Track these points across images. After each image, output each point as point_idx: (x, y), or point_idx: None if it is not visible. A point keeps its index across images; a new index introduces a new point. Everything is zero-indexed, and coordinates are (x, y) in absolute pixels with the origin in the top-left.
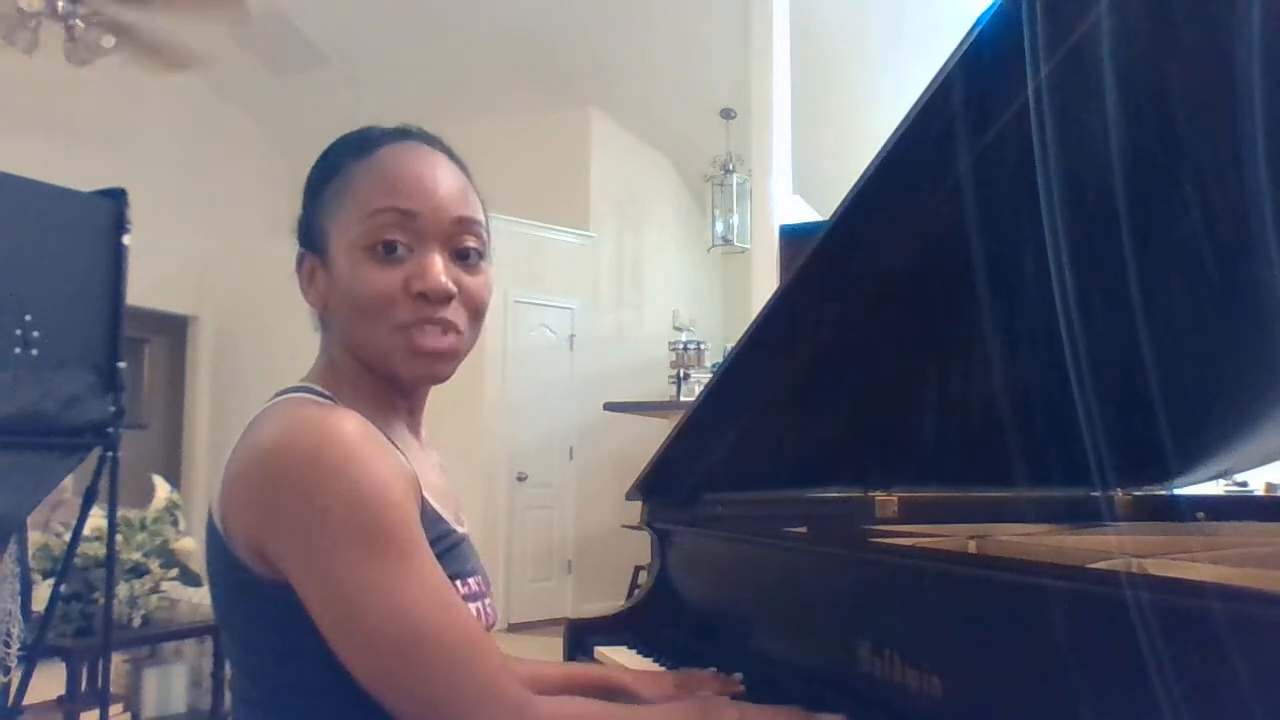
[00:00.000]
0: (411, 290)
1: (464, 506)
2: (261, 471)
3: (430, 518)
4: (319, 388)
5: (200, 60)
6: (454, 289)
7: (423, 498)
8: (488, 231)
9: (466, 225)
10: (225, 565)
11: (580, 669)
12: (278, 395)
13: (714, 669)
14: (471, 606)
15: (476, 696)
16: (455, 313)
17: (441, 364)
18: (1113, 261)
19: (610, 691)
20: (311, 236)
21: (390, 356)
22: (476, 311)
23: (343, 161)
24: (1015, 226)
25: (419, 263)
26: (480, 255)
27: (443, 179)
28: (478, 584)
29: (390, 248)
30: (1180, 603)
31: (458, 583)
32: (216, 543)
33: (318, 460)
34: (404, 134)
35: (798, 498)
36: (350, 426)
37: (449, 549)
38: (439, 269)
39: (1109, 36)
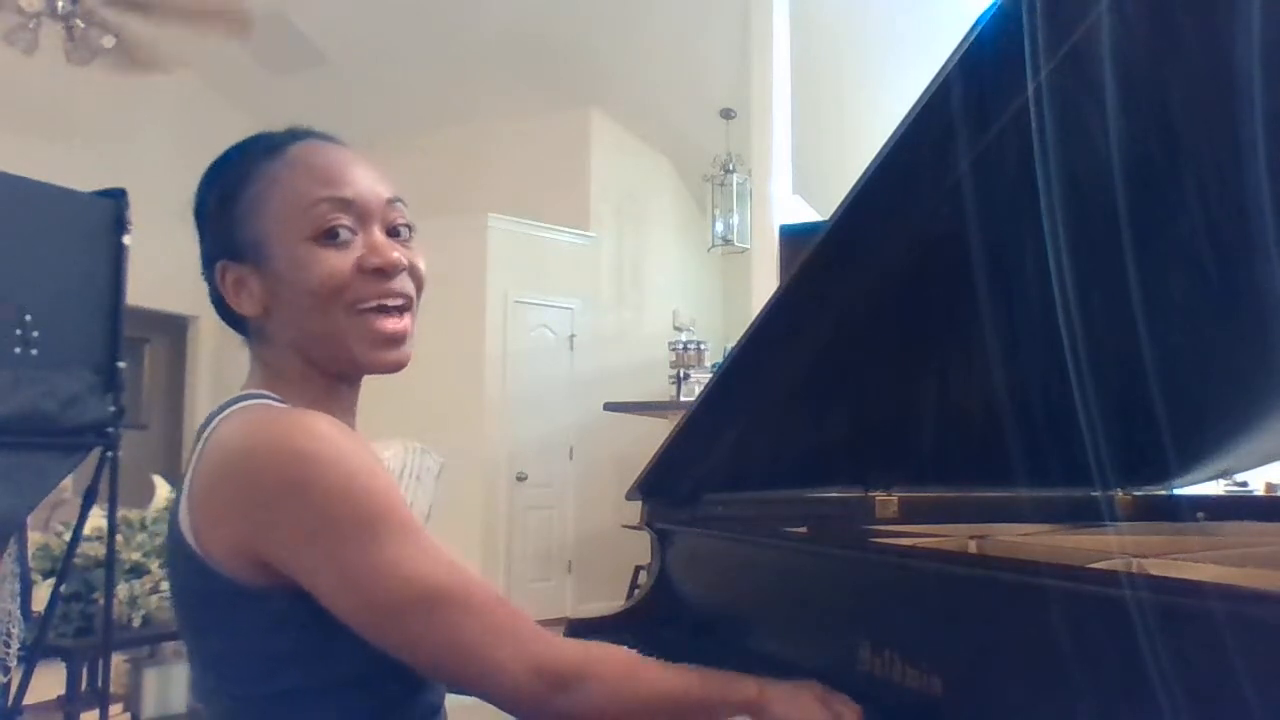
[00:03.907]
0: (366, 267)
1: None
2: (246, 478)
3: None
4: (270, 394)
5: (198, 61)
6: (405, 261)
7: None
8: None
9: (396, 204)
10: (198, 578)
11: None
12: (226, 406)
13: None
14: None
15: (503, 639)
16: (405, 284)
17: (400, 348)
18: (1112, 261)
19: None
20: (233, 246)
21: (350, 344)
22: (420, 284)
23: (252, 166)
24: (1015, 226)
25: (366, 242)
26: (411, 231)
27: (363, 165)
28: None
29: (334, 234)
30: (1180, 603)
31: None
32: (186, 557)
33: (305, 458)
34: (305, 133)
35: (798, 498)
36: (324, 423)
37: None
38: (388, 244)
39: (1109, 37)
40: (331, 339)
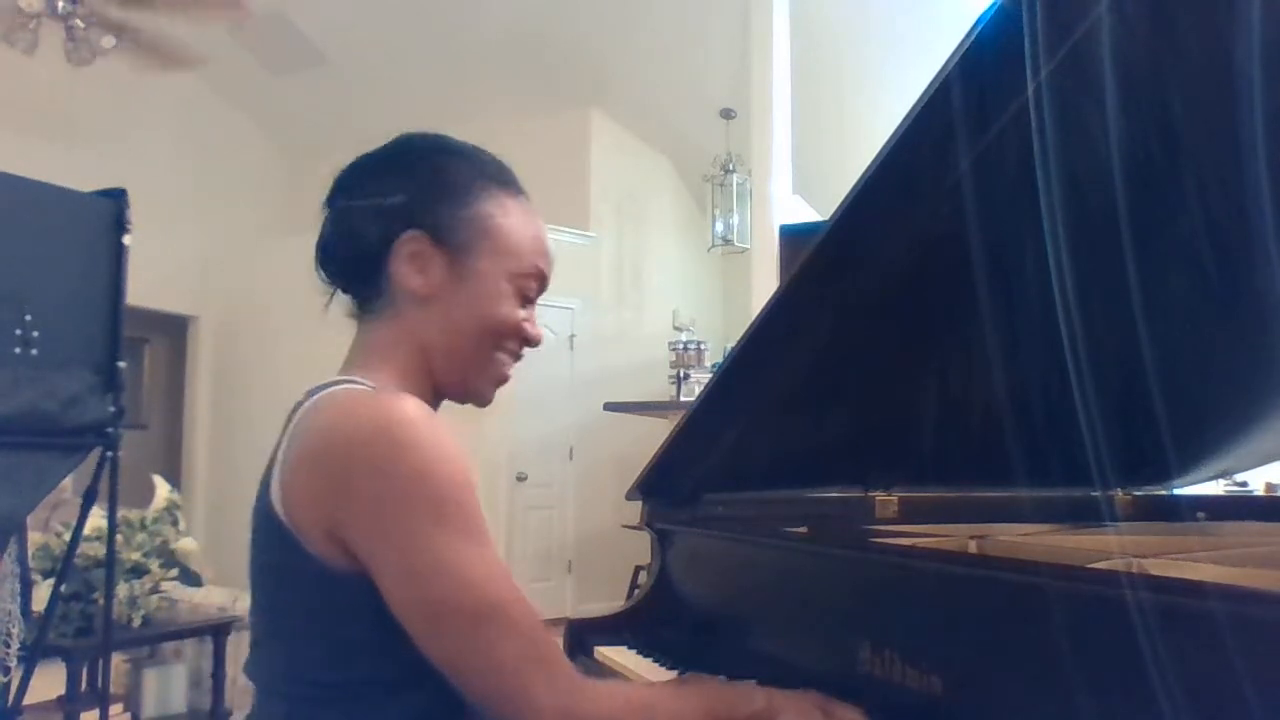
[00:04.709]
0: (524, 333)
1: None
2: (335, 453)
3: None
4: (366, 380)
5: (200, 60)
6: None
7: None
8: None
9: None
10: (284, 553)
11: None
12: (322, 387)
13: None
14: None
15: (540, 669)
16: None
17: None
18: (1113, 261)
19: None
20: (439, 228)
21: (474, 372)
22: None
23: (489, 186)
24: (1015, 226)
25: (529, 313)
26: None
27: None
28: None
29: (527, 297)
30: (1180, 603)
31: None
32: (274, 531)
33: (393, 438)
34: (521, 188)
35: (798, 498)
36: (414, 407)
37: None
38: (535, 322)
39: (1109, 37)
40: (464, 360)
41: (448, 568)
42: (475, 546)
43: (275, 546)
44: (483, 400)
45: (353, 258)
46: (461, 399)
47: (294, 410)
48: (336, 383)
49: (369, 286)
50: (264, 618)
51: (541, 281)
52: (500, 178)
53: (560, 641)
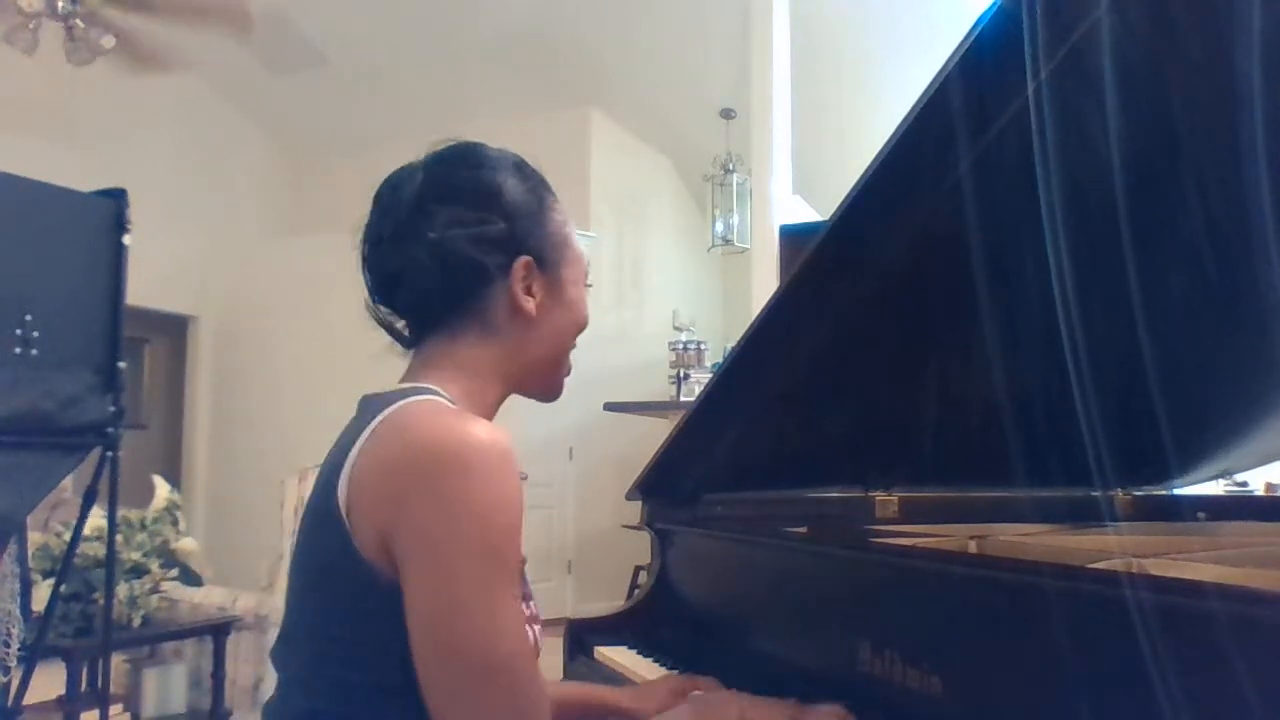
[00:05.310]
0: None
1: None
2: (408, 466)
3: None
4: (443, 392)
5: (197, 61)
6: None
7: None
8: None
9: None
10: (338, 553)
11: (573, 689)
12: (400, 396)
13: (711, 678)
14: (534, 630)
15: None
16: None
17: None
18: (1112, 261)
19: (604, 712)
20: (540, 250)
21: (560, 370)
22: None
23: (549, 197)
24: (1015, 226)
25: None
26: None
27: None
28: (535, 608)
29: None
30: (1180, 603)
31: (525, 605)
32: (331, 527)
33: (467, 468)
34: None
35: (798, 498)
36: (499, 442)
37: (519, 570)
38: None
39: (1109, 37)
40: (558, 365)
41: (469, 612)
42: (503, 598)
43: (327, 544)
44: (559, 391)
45: (454, 288)
46: (545, 398)
47: (375, 404)
48: (419, 390)
49: (460, 314)
50: (300, 612)
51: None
52: (547, 184)
53: (560, 644)
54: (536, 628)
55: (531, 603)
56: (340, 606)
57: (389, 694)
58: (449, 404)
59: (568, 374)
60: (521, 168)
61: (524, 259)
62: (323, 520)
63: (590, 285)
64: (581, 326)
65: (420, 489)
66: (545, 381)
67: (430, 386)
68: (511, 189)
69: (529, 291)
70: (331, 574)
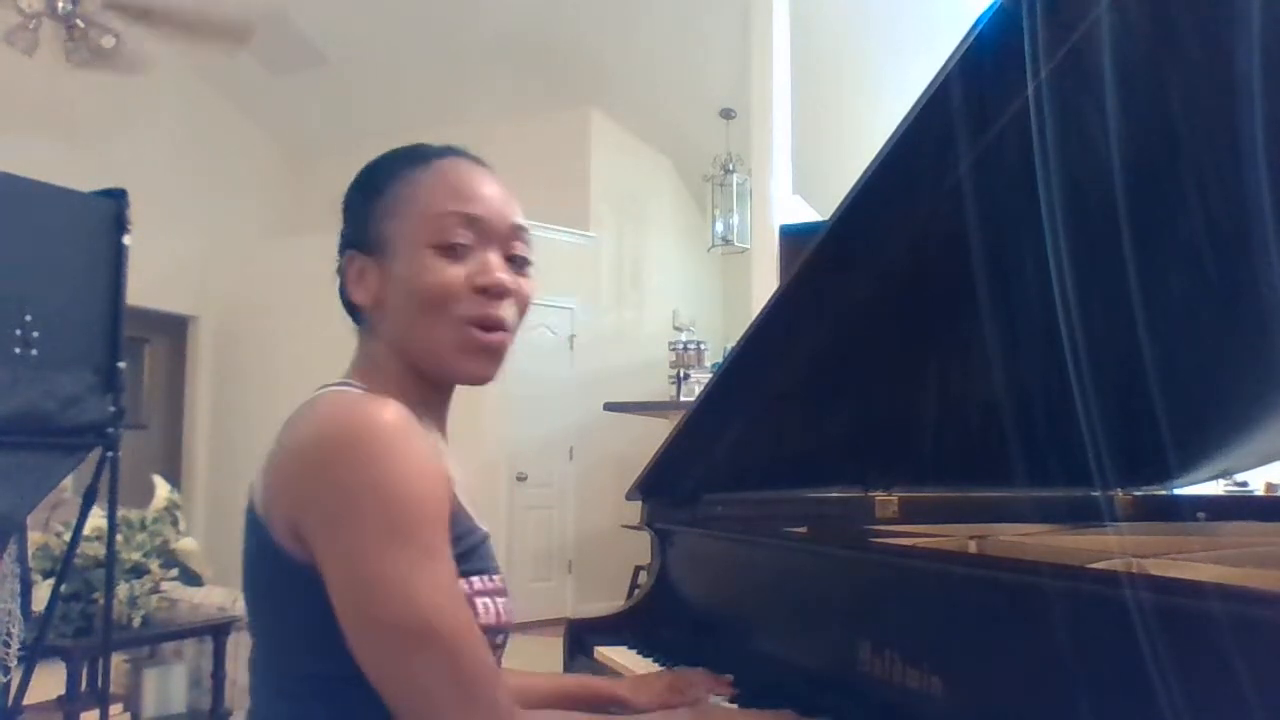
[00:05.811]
0: (473, 284)
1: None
2: (302, 455)
3: (460, 516)
4: (359, 384)
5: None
6: (511, 285)
7: (454, 495)
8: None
9: (520, 232)
10: (266, 554)
11: (571, 680)
12: (320, 390)
13: (704, 669)
14: (497, 602)
15: (470, 695)
16: (508, 310)
17: (492, 362)
18: (1112, 261)
19: (601, 702)
20: (364, 238)
21: (445, 351)
22: (523, 312)
23: (400, 170)
24: (1015, 226)
25: (480, 261)
26: (527, 263)
27: (499, 190)
28: (501, 581)
29: (453, 247)
30: (1180, 603)
31: (485, 578)
32: (258, 533)
33: (354, 447)
34: (457, 150)
35: (798, 498)
36: (390, 415)
37: (476, 545)
38: (500, 266)
39: (1109, 37)
40: (429, 344)
41: (392, 585)
42: (424, 568)
43: (254, 542)
44: (472, 376)
45: (342, 295)
46: (451, 380)
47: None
48: (333, 385)
49: (354, 313)
50: (252, 614)
51: (470, 222)
52: (410, 156)
53: (560, 644)
54: (501, 600)
55: (495, 576)
56: (275, 599)
57: (350, 683)
58: (357, 391)
59: (472, 350)
60: (383, 159)
61: (348, 253)
62: (249, 520)
63: (471, 216)
64: (424, 299)
65: (316, 474)
66: (438, 362)
67: (347, 381)
68: (353, 188)
69: (361, 282)
70: (261, 568)
